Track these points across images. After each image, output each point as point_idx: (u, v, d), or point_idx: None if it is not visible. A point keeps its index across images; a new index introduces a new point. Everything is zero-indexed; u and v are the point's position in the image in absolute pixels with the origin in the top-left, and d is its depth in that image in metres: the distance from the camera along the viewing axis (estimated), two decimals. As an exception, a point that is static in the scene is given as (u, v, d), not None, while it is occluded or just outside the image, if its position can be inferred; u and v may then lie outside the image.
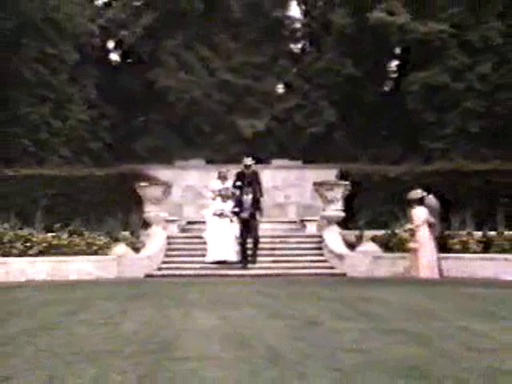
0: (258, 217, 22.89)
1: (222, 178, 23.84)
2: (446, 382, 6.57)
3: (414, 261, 21.19)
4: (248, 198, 22.70)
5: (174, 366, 7.31)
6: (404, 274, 21.33)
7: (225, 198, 23.28)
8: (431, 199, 22.47)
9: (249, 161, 24.55)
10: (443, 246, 21.89)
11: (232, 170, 24.12)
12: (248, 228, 22.47)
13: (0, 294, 16.47)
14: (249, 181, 23.89)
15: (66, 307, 13.46)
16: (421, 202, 21.96)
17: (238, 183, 23.61)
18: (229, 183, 23.58)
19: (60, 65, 41.78)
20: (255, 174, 24.32)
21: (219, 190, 23.36)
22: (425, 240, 21.33)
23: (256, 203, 23.02)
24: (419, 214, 21.57)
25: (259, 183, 24.26)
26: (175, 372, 7.03)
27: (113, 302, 14.12)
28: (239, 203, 22.69)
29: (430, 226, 21.58)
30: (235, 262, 22.59)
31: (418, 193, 22.05)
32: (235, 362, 7.58)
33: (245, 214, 22.43)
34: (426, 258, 21.12)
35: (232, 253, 22.75)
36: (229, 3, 44.59)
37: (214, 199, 23.46)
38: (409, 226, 21.64)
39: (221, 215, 22.90)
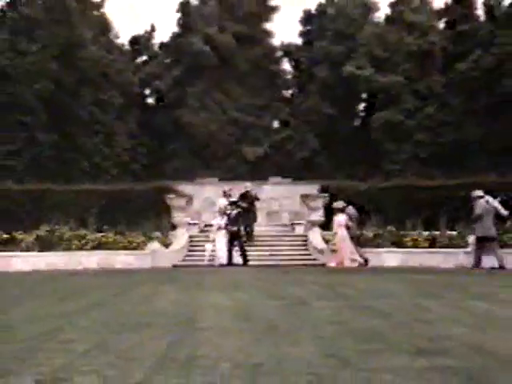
0: (248, 229, 23.45)
1: (227, 195, 23.93)
2: (402, 345, 6.60)
3: (339, 256, 21.23)
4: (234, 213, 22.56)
5: (195, 335, 7.36)
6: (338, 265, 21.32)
7: (222, 214, 23.08)
8: (350, 209, 22.64)
9: (249, 186, 25.55)
10: (397, 243, 22.08)
11: (234, 189, 24.15)
12: (235, 238, 22.36)
13: (62, 279, 16.49)
14: (249, 201, 24.50)
15: (112, 289, 13.50)
16: (342, 210, 22.13)
17: (233, 199, 23.99)
18: (232, 199, 23.59)
19: (109, 107, 42.06)
20: (252, 197, 25.24)
21: (225, 206, 23.16)
22: (342, 239, 21.45)
23: (245, 219, 23.22)
24: (339, 219, 21.86)
25: (254, 203, 25.22)
26: (196, 339, 7.07)
27: (148, 286, 14.17)
28: (234, 218, 22.52)
29: (349, 228, 21.77)
30: (240, 264, 22.13)
31: (339, 203, 22.32)
32: (241, 331, 7.62)
33: (234, 228, 22.27)
34: (346, 253, 21.25)
35: (237, 257, 22.45)
36: (236, 59, 44.71)
37: (221, 213, 23.22)
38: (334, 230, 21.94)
39: (219, 229, 22.72)
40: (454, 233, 22.63)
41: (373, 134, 41.61)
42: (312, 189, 26.46)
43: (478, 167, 33.53)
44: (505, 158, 36.54)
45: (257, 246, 24.04)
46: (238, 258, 22.33)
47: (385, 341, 6.89)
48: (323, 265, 21.54)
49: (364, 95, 44.84)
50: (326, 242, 23.05)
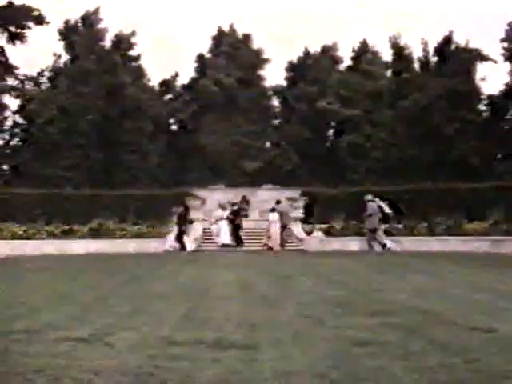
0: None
1: (222, 207, 23.28)
2: (361, 308, 6.63)
3: (273, 242, 21.61)
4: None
5: (208, 303, 7.37)
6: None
7: (223, 208, 23.01)
8: (284, 206, 23.04)
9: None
10: (358, 233, 21.81)
11: (227, 205, 23.57)
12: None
13: (108, 260, 16.46)
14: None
15: (145, 268, 13.47)
16: (273, 210, 22.47)
17: (235, 201, 24.79)
18: (227, 212, 22.85)
19: (143, 133, 42.07)
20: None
21: (219, 216, 22.73)
22: (273, 231, 21.79)
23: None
24: (271, 217, 22.18)
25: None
26: (209, 306, 7.09)
27: (172, 265, 14.14)
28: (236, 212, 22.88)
29: (283, 224, 22.06)
30: (233, 245, 21.97)
31: (273, 204, 23.06)
32: (241, 299, 7.64)
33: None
34: (276, 242, 21.57)
35: (230, 239, 22.20)
36: (238, 97, 44.78)
37: (215, 222, 22.83)
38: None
39: (221, 219, 22.55)
40: (401, 225, 22.40)
41: (340, 152, 41.68)
42: (295, 193, 26.34)
43: (417, 177, 33.56)
44: (437, 170, 36.66)
45: (252, 235, 23.77)
46: (230, 240, 22.12)
47: (348, 305, 6.92)
48: (303, 250, 21.30)
49: (333, 123, 44.86)
50: (307, 233, 22.77)
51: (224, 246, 21.85)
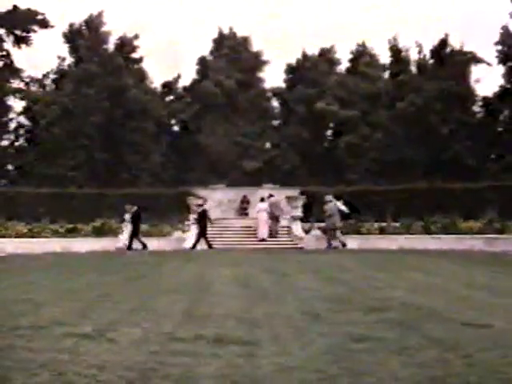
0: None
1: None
2: (358, 305, 6.63)
3: (260, 231, 22.18)
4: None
5: (209, 299, 7.37)
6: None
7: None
8: (275, 199, 23.39)
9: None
10: (356, 231, 22.01)
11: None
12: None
13: (111, 257, 16.46)
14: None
15: (148, 265, 13.47)
16: (263, 200, 23.12)
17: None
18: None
19: (146, 133, 42.04)
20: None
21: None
22: (262, 219, 22.36)
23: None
24: (259, 206, 22.82)
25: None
26: (210, 302, 7.09)
27: (174, 263, 14.12)
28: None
29: (274, 215, 22.56)
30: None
31: (263, 194, 23.82)
32: (242, 296, 7.64)
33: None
34: (262, 230, 22.18)
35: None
36: (238, 99, 44.76)
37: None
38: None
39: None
40: (397, 224, 22.48)
41: (338, 152, 41.65)
42: (294, 192, 26.23)
43: (413, 177, 33.57)
44: (433, 170, 36.65)
45: (253, 234, 23.68)
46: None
47: (346, 302, 6.92)
48: (302, 248, 21.27)
49: (331, 124, 44.78)
50: (305, 231, 22.74)
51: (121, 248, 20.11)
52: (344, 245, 20.02)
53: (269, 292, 7.97)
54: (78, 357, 4.28)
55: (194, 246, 20.59)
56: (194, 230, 21.39)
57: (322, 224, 22.71)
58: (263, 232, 22.23)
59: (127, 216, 20.96)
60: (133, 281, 9.70)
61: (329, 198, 21.03)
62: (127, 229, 20.80)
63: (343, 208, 20.89)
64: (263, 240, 22.04)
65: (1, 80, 40.54)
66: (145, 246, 20.19)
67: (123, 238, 20.75)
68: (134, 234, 20.38)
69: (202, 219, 20.96)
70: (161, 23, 66.60)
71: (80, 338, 4.91)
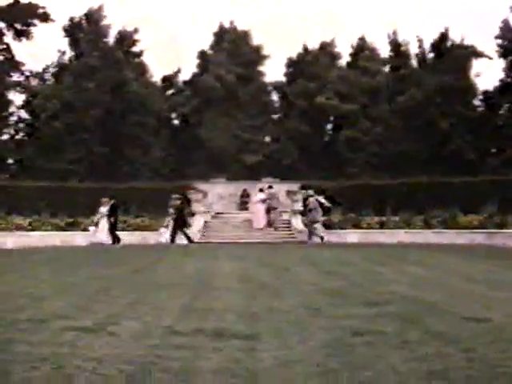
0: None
1: (103, 204, 20.71)
2: (359, 299, 6.63)
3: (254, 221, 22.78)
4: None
5: (210, 293, 7.36)
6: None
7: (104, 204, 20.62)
8: (274, 190, 23.78)
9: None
10: (356, 225, 22.14)
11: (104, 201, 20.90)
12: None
13: (111, 251, 16.48)
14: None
15: (149, 259, 13.47)
16: (261, 190, 23.64)
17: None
18: (106, 208, 20.45)
19: (146, 127, 41.99)
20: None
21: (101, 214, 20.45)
22: (255, 210, 23.01)
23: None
24: (256, 197, 23.43)
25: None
26: (210, 295, 7.09)
27: (175, 256, 14.13)
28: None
29: (271, 205, 22.98)
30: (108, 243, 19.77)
31: (263, 187, 24.19)
32: (242, 290, 7.63)
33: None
34: (258, 220, 22.80)
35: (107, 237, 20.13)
36: (239, 93, 44.64)
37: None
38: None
39: (101, 216, 20.36)
40: (397, 218, 22.50)
41: (338, 146, 41.57)
42: (294, 187, 26.27)
43: (413, 171, 33.54)
44: (433, 164, 36.65)
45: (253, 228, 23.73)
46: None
47: (346, 296, 6.92)
48: (302, 242, 21.24)
49: (331, 118, 44.72)
50: (306, 225, 22.72)
51: (99, 244, 19.57)
52: (322, 238, 20.34)
53: (269, 286, 7.96)
54: (78, 350, 4.27)
55: (172, 239, 20.43)
56: (171, 225, 21.09)
57: (322, 218, 22.77)
58: (260, 221, 22.47)
59: (103, 209, 20.41)
60: (132, 274, 9.70)
61: (310, 193, 21.48)
62: (103, 222, 20.22)
63: (324, 202, 21.39)
64: (260, 229, 22.30)
65: (1, 73, 40.43)
66: (118, 240, 19.82)
67: (100, 232, 20.11)
68: (113, 228, 20.02)
69: (180, 213, 20.77)
70: (161, 17, 66.40)
71: (80, 331, 4.90)
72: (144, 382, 3.59)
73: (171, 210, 21.25)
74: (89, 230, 21.10)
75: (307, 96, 43.21)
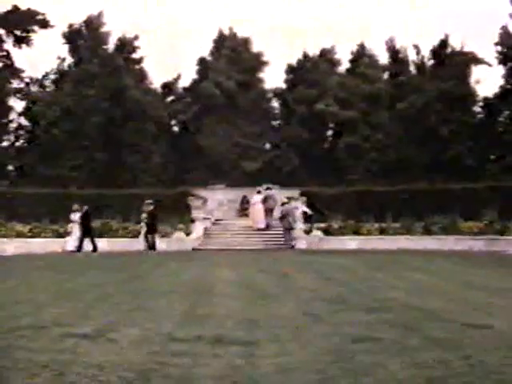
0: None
1: (74, 211, 20.49)
2: (358, 305, 6.63)
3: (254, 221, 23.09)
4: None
5: (209, 299, 7.37)
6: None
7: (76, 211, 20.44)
8: (268, 192, 24.22)
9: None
10: (356, 232, 22.14)
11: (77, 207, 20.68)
12: None
13: (112, 257, 16.44)
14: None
15: (149, 265, 13.47)
16: (259, 192, 23.87)
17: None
18: (78, 215, 20.28)
19: (146, 134, 42.02)
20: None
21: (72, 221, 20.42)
22: (253, 211, 23.30)
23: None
24: (254, 199, 23.68)
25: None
26: (209, 302, 7.09)
27: (175, 263, 14.12)
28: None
29: (268, 207, 23.30)
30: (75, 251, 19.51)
31: (261, 188, 24.41)
32: (242, 296, 7.64)
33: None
34: (256, 220, 23.13)
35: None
36: (238, 99, 44.72)
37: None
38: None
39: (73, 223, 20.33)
40: (397, 224, 22.42)
41: (338, 153, 41.59)
42: (294, 193, 26.22)
43: (413, 177, 33.51)
44: (433, 171, 36.63)
45: (252, 234, 23.58)
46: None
47: (345, 302, 6.92)
48: (302, 248, 21.08)
49: (331, 125, 44.74)
50: (307, 232, 22.58)
51: (72, 252, 19.40)
52: (293, 247, 21.06)
53: (268, 292, 7.96)
54: (78, 357, 4.28)
55: (152, 247, 20.48)
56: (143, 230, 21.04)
57: (323, 224, 22.80)
58: (259, 222, 22.64)
59: (74, 216, 20.30)
60: (132, 281, 9.69)
61: (284, 200, 22.33)
62: (75, 230, 20.09)
63: (306, 209, 22.14)
64: (260, 230, 22.52)
65: (1, 80, 40.54)
66: (95, 249, 19.51)
67: (72, 240, 20.01)
68: (86, 235, 19.70)
69: (154, 220, 20.85)
70: (161, 23, 66.55)
71: (80, 338, 4.91)
72: (144, 389, 3.60)
73: (144, 215, 21.30)
74: (64, 237, 20.94)
75: (307, 103, 43.27)
